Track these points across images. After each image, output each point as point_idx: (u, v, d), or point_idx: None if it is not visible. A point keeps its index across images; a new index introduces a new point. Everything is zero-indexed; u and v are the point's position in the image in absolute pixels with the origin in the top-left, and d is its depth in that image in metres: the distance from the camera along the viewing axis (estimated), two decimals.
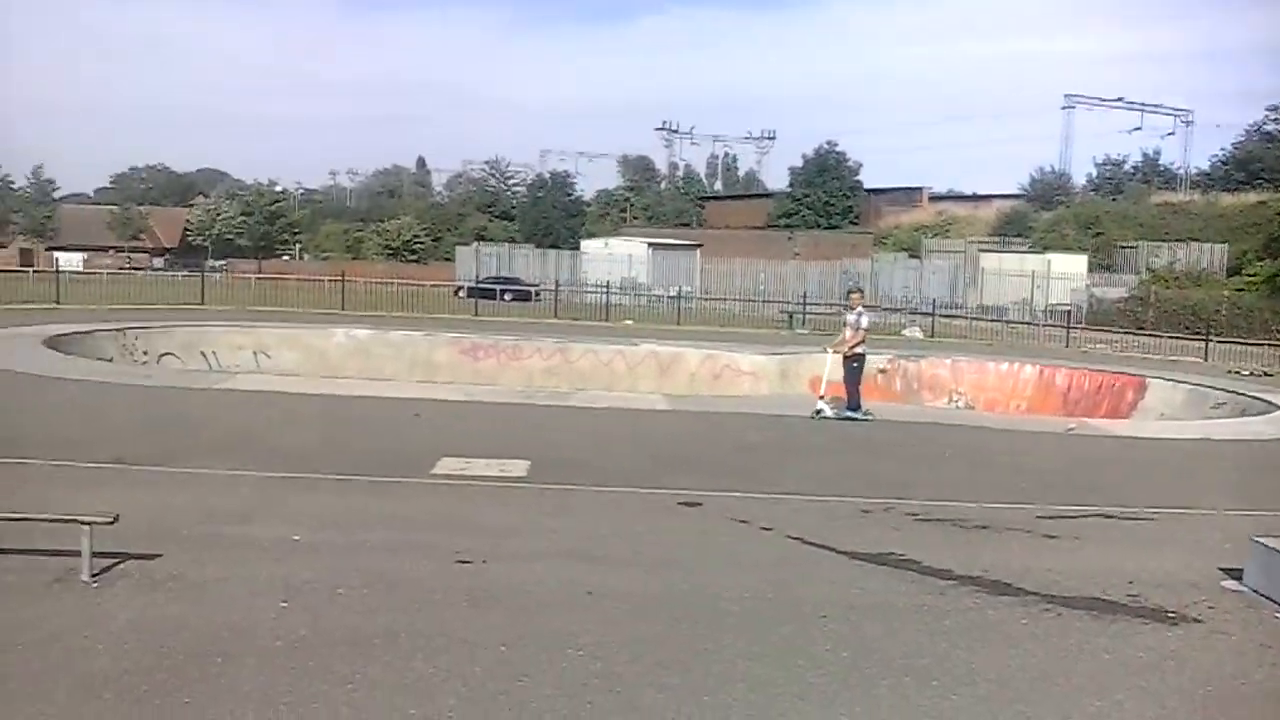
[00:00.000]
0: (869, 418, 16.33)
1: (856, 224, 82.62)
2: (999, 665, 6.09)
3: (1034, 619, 6.91)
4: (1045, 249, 58.32)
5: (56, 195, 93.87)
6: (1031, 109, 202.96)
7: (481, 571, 7.49)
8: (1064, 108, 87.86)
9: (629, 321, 36.70)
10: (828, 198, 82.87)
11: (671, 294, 45.70)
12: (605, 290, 42.08)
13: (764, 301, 47.82)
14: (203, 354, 23.90)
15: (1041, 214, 72.35)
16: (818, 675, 5.84)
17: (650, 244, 60.69)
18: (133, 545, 7.44)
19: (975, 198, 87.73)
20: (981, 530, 9.42)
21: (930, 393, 25.81)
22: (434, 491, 10.16)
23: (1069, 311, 41.67)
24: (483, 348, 25.14)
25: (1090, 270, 52.27)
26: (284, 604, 6.62)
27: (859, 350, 16.80)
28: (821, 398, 16.66)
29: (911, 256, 64.67)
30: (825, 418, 16.14)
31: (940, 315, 41.26)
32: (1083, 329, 38.97)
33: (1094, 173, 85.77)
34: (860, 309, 17.23)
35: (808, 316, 41.02)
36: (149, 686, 5.35)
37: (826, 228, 79.16)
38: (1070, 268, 51.14)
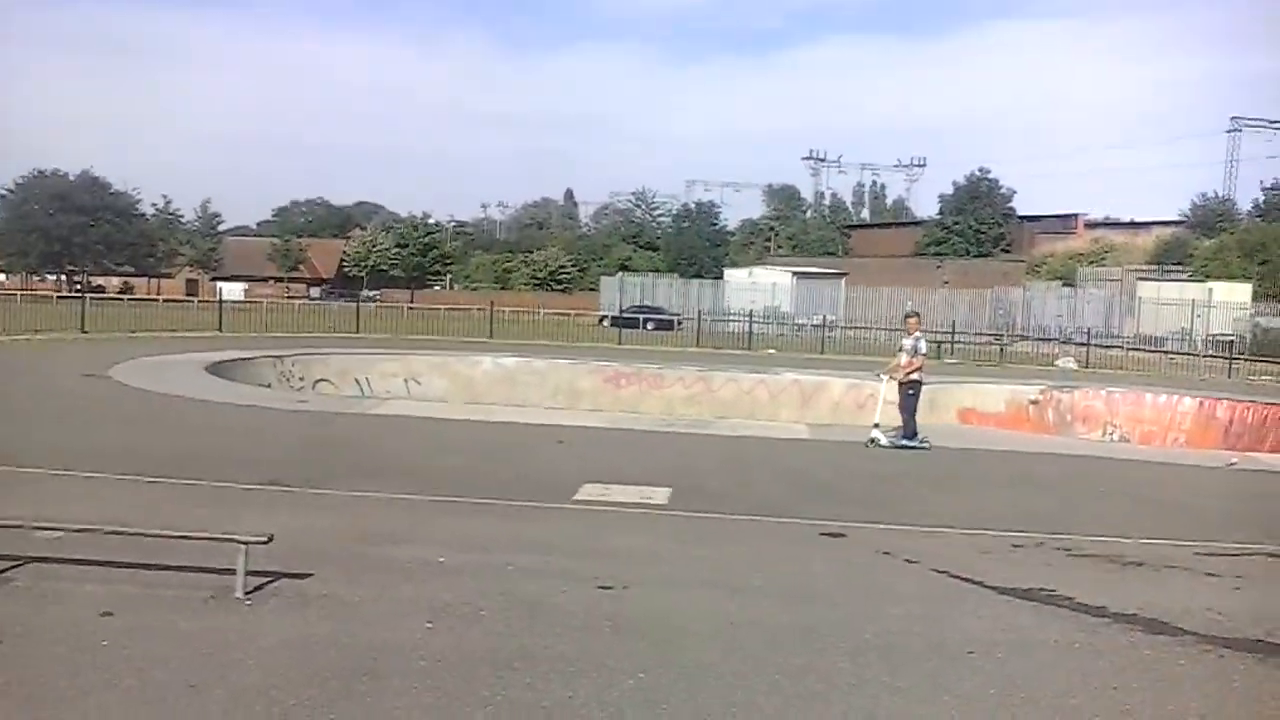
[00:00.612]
0: (925, 446, 15.71)
1: (1009, 252, 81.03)
2: (1155, 707, 5.82)
3: (1193, 660, 6.59)
4: (1206, 277, 56.09)
5: (221, 228, 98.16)
6: (1194, 132, 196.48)
7: (622, 597, 7.50)
8: (1229, 130, 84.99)
9: (771, 350, 36.51)
10: (978, 225, 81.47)
11: (815, 323, 45.33)
12: (748, 319, 42.01)
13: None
14: (356, 380, 24.59)
15: (1203, 241, 69.74)
16: (963, 713, 5.66)
17: (794, 273, 60.45)
18: (286, 564, 7.65)
19: (1133, 225, 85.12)
20: (1137, 567, 9.04)
21: (1084, 425, 24.98)
22: (576, 517, 10.23)
23: (1231, 341, 39.99)
24: (625, 375, 25.30)
25: (1255, 299, 50.07)
26: (429, 624, 6.72)
27: (915, 377, 16.15)
28: (876, 425, 16.01)
29: (1065, 285, 63.00)
30: (880, 446, 15.52)
31: (1095, 345, 40.01)
32: (1246, 360, 37.32)
33: (1260, 198, 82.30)
34: (919, 334, 16.53)
35: (956, 346, 40.25)
36: (296, 701, 5.48)
37: (977, 255, 77.76)
38: (1233, 296, 49.08)
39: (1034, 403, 25.38)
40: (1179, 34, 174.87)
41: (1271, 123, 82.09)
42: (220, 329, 33.19)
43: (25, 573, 7.49)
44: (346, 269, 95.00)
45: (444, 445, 14.51)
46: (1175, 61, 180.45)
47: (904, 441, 15.74)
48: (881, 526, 10.22)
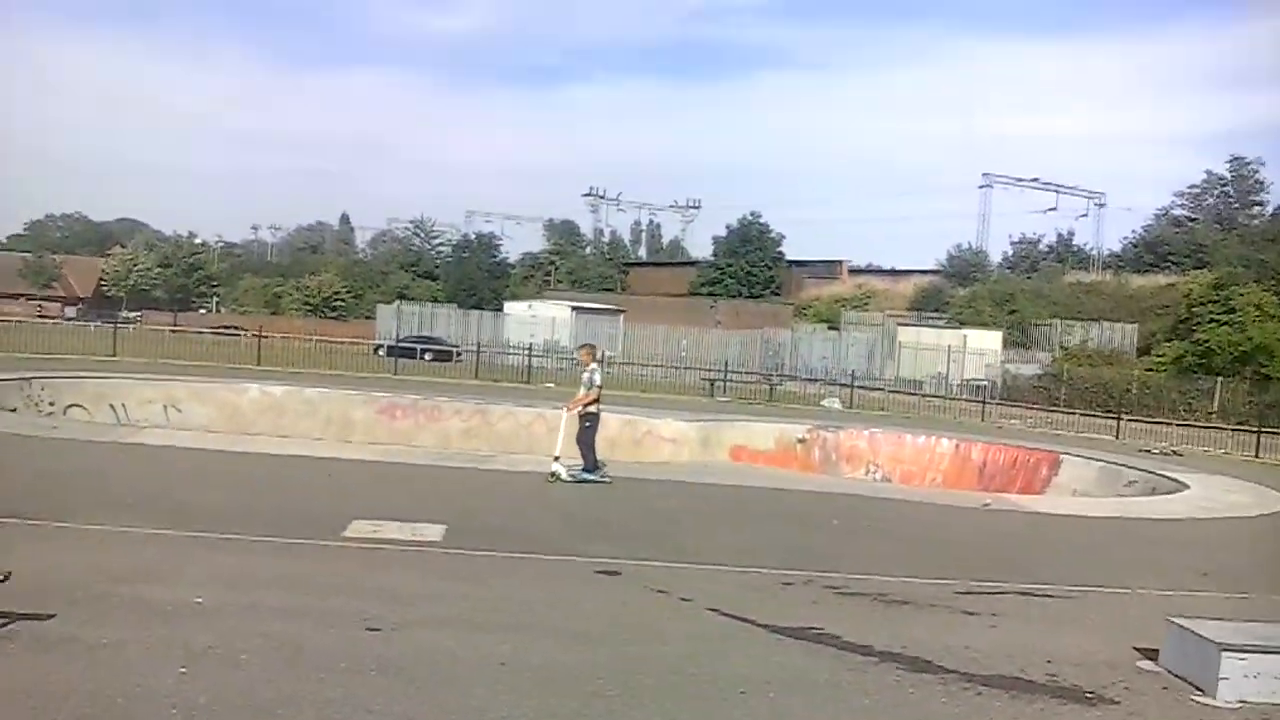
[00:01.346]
0: (606, 480, 15.62)
1: (778, 294, 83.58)
2: None
3: (953, 698, 6.83)
4: (961, 324, 59.33)
5: None
6: (950, 187, 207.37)
7: (391, 639, 7.25)
8: (981, 186, 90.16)
9: (550, 385, 36.46)
10: (750, 268, 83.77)
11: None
12: (528, 352, 41.91)
13: (685, 368, 47.99)
14: (111, 407, 23.22)
15: (958, 290, 73.75)
16: None
17: (574, 308, 60.76)
18: (24, 605, 7.09)
19: (894, 272, 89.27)
20: (902, 606, 9.36)
21: (848, 464, 25.95)
22: (344, 555, 9.87)
23: (984, 386, 42.38)
24: (400, 407, 24.82)
25: (1005, 346, 53.25)
26: (183, 670, 6.32)
27: (591, 410, 16.04)
28: (556, 458, 15.84)
29: (831, 328, 65.43)
30: (560, 479, 15.42)
31: (858, 387, 41.66)
32: (998, 404, 39.61)
33: (1010, 251, 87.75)
34: (594, 366, 16.48)
35: (729, 384, 41.18)
36: None
37: (749, 297, 79.99)
38: (986, 344, 52.03)
39: (802, 441, 26.21)
40: (938, 90, 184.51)
41: (1019, 180, 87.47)
42: None
43: None
44: (105, 288, 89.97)
45: (204, 477, 13.81)
46: (932, 117, 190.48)
47: (584, 475, 15.57)
48: (657, 564, 10.27)
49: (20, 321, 52.05)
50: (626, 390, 36.27)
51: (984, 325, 58.07)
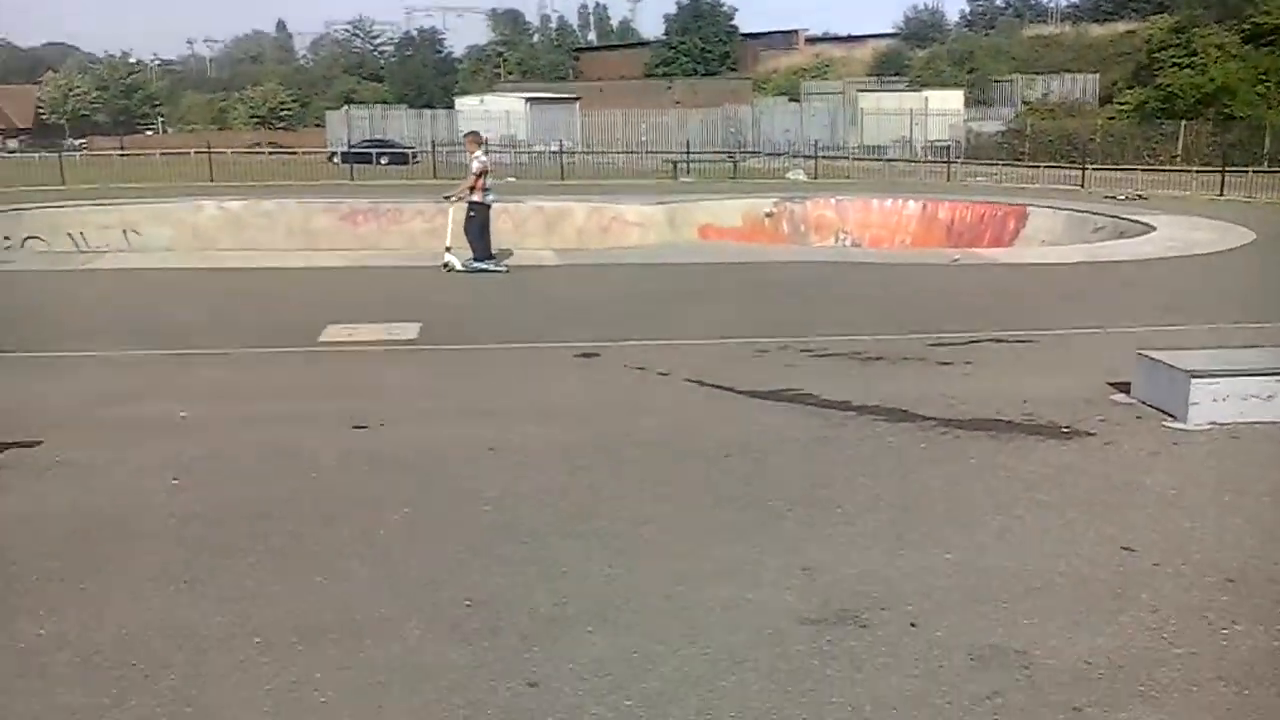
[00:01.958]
0: (501, 269, 15.59)
1: (735, 70, 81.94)
2: (901, 490, 6.17)
3: (932, 442, 7.01)
4: (922, 86, 58.49)
5: None
6: None
7: (379, 435, 7.33)
8: None
9: (511, 179, 35.97)
10: (704, 45, 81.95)
11: (553, 149, 44.88)
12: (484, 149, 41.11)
13: (647, 153, 47.35)
14: (69, 235, 22.80)
15: (917, 52, 72.51)
16: (724, 512, 5.85)
17: (527, 99, 59.36)
18: (12, 434, 7.12)
19: (851, 39, 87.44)
20: (876, 362, 9.51)
21: (817, 234, 25.96)
22: (322, 360, 9.88)
23: (949, 147, 42.11)
24: (361, 213, 24.44)
25: (967, 105, 52.72)
26: (175, 481, 6.39)
27: (475, 198, 15.62)
28: (448, 249, 15.67)
29: (791, 100, 64.42)
30: (454, 270, 15.36)
31: (823, 157, 41.29)
32: (962, 163, 39.43)
33: (967, 8, 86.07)
34: (477, 153, 15.99)
35: (693, 164, 40.76)
36: (40, 576, 5.12)
37: (705, 74, 78.43)
38: (948, 104, 51.45)
39: (769, 215, 26.13)
40: None
41: None
42: None
43: None
44: (44, 117, 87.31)
45: (173, 296, 13.70)
46: None
47: (477, 265, 15.49)
48: (633, 343, 10.33)
49: None
50: (588, 179, 35.98)
51: (945, 86, 57.28)
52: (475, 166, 15.72)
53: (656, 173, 39.56)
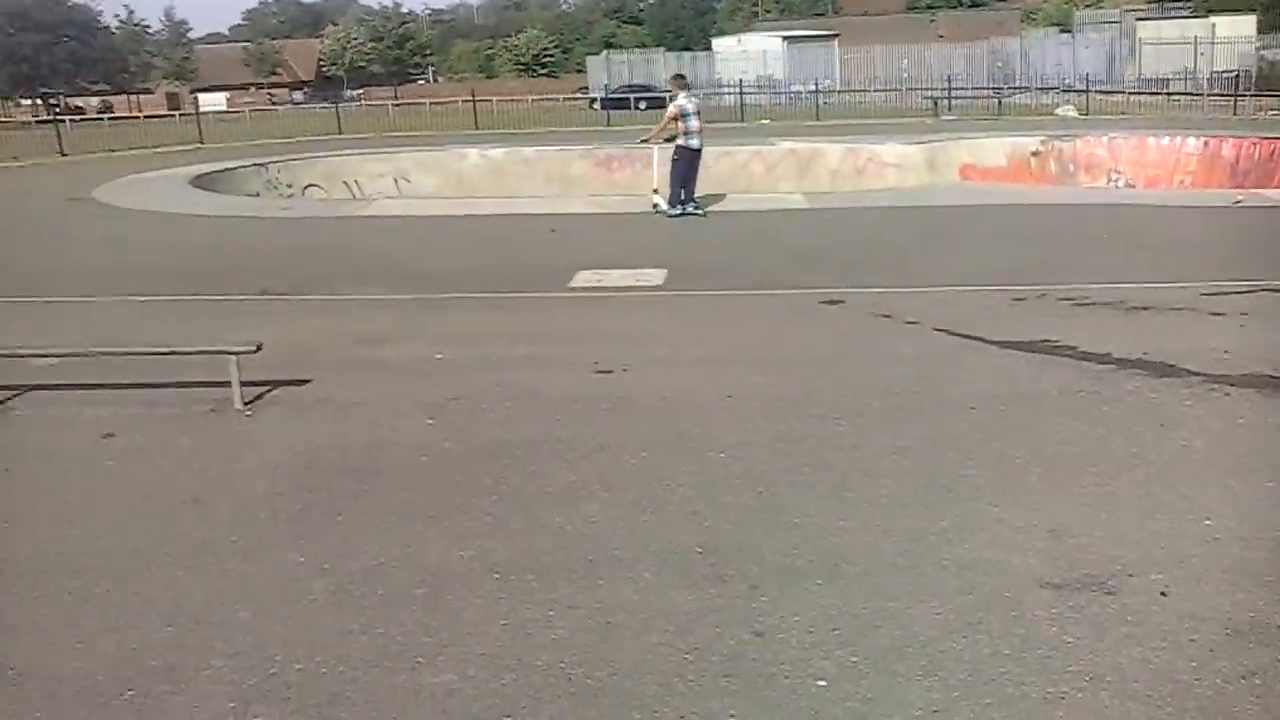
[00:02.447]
0: (698, 213, 15.30)
1: (1002, 1, 78.49)
2: (1160, 449, 5.81)
3: (1199, 400, 6.56)
4: (1209, 12, 54.27)
5: (191, 36, 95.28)
6: None
7: (621, 380, 7.46)
8: None
9: (766, 121, 35.78)
10: None
11: (810, 89, 44.23)
12: (739, 90, 40.99)
13: (908, 90, 45.95)
14: (345, 184, 24.14)
15: None
16: (966, 467, 5.66)
17: (785, 37, 58.71)
18: (283, 373, 7.62)
19: None
20: (1142, 312, 8.96)
21: (1087, 174, 24.58)
22: (571, 305, 10.13)
23: (1236, 77, 39.00)
24: (617, 159, 24.76)
25: (1260, 31, 48.57)
26: (430, 421, 6.70)
27: (680, 143, 15.31)
28: (654, 190, 15.76)
29: (1063, 31, 61.15)
30: (660, 212, 15.40)
31: (1096, 92, 39.06)
32: (1252, 95, 36.45)
33: None
34: (681, 96, 15.50)
35: (955, 102, 39.40)
36: (302, 506, 5.49)
37: (970, 6, 75.46)
38: (1237, 30, 47.57)
39: (1035, 154, 24.90)
40: None
41: None
42: (201, 141, 32.52)
43: (25, 401, 7.48)
44: (325, 69, 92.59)
45: (434, 242, 14.33)
46: None
47: (671, 210, 15.40)
48: (881, 290, 10.11)
49: (256, 110, 54.44)
50: (846, 118, 35.32)
51: (1235, 11, 53.00)
52: (670, 109, 15.60)
53: (917, 111, 38.43)
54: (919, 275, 10.85)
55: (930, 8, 75.89)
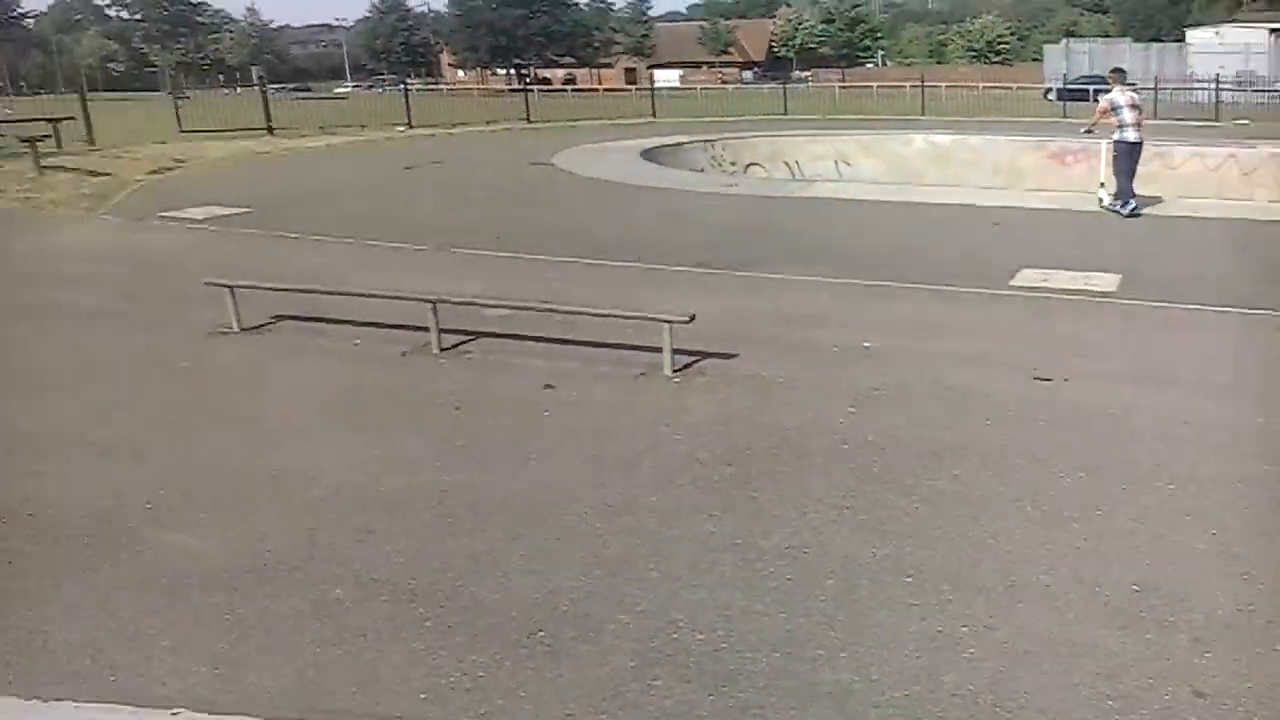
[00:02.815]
0: (1131, 214, 14.51)
1: None
2: None
3: None
4: None
5: (651, 14, 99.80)
6: None
7: (1061, 390, 6.99)
8: None
9: (1245, 121, 32.61)
10: None
11: None
12: (1215, 86, 37.63)
13: None
14: (786, 164, 24.43)
15: None
16: None
17: (1272, 29, 53.13)
18: (711, 345, 7.76)
19: None
20: None
21: None
22: (1011, 304, 9.64)
23: None
24: (1072, 152, 23.40)
25: None
26: (852, 409, 6.59)
27: (1116, 136, 14.65)
28: (1101, 185, 15.32)
29: None
30: (1107, 209, 14.92)
31: None
32: None
33: None
34: (1116, 89, 14.88)
35: None
36: (720, 478, 5.55)
37: None
38: None
39: None
40: None
41: None
42: (654, 116, 34.01)
43: (478, 346, 8.08)
44: (776, 50, 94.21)
45: (872, 228, 14.16)
46: None
47: (1112, 206, 14.91)
48: None
49: (706, 87, 56.32)
50: None
51: None
52: (1101, 103, 15.19)
53: None
54: None
55: None
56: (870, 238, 13.21)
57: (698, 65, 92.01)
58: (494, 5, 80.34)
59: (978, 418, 6.42)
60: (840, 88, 55.43)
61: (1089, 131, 15.86)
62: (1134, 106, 14.85)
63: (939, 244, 12.90)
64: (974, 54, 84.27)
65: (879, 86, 55.31)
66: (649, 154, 21.94)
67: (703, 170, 22.50)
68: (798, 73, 78.26)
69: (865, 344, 8.13)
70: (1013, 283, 10.31)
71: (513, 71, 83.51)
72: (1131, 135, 14.67)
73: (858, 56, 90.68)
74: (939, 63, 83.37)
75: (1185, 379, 7.27)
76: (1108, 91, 15.12)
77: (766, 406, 6.66)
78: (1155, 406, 6.63)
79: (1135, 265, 11.17)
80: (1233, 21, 62.67)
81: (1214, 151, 22.44)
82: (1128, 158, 14.77)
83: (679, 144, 24.09)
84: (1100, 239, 13.13)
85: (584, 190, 17.43)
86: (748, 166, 24.01)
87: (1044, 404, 6.68)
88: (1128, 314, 9.22)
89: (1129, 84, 15.47)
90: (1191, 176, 21.79)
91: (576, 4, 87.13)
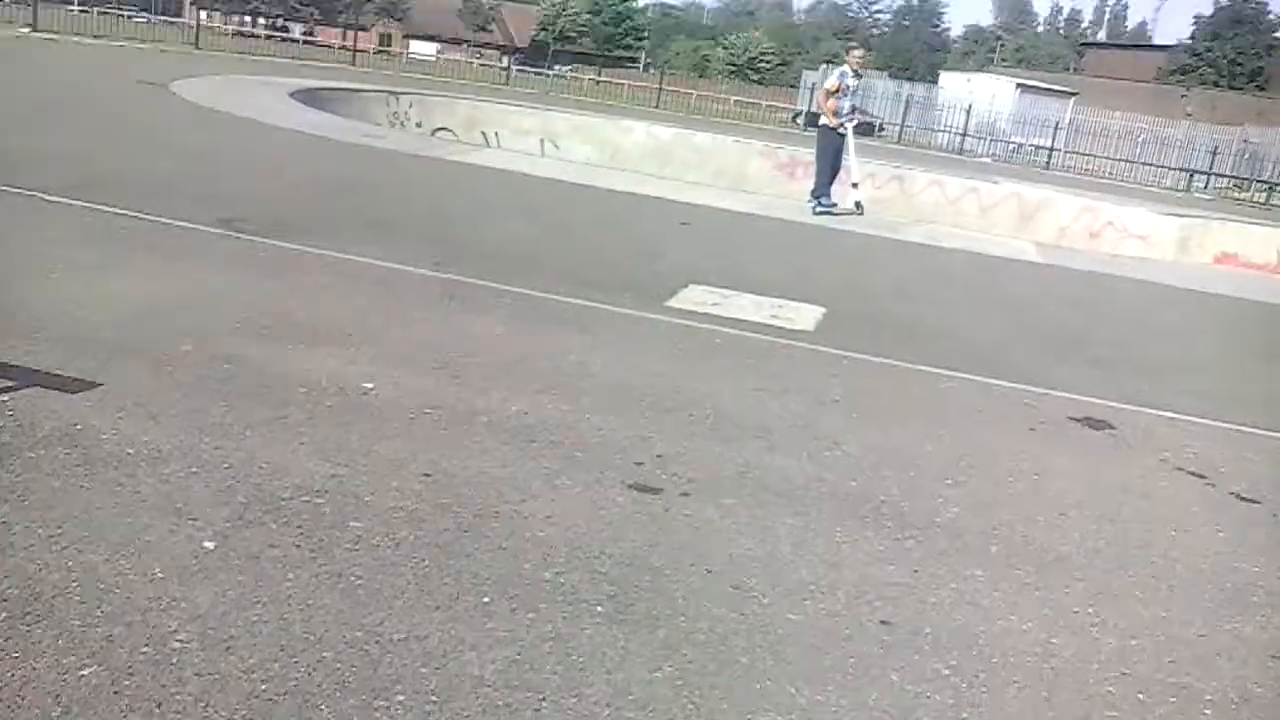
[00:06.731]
0: (820, 209, 12.90)
1: (1264, 89, 71.24)
2: None
3: None
4: None
5: None
6: None
7: (669, 515, 3.54)
8: None
9: (986, 159, 31.22)
10: (1236, 55, 71.68)
11: (1035, 143, 39.31)
12: (961, 132, 36.62)
13: (1143, 164, 40.63)
14: (483, 134, 20.69)
15: None
16: None
17: (1019, 84, 53.43)
18: (106, 357, 3.96)
19: None
20: None
21: None
22: (661, 334, 6.19)
23: None
24: (803, 164, 20.69)
25: None
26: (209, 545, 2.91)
27: (829, 123, 12.99)
28: (856, 185, 13.68)
29: None
30: (859, 210, 13.32)
31: None
32: None
33: None
34: (851, 71, 13.19)
35: (1194, 184, 34.28)
36: None
37: (1230, 89, 68.75)
38: None
39: None
40: None
41: None
42: (354, 64, 29.57)
43: None
44: (536, 36, 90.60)
45: (524, 210, 10.54)
46: None
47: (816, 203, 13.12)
48: (1173, 416, 5.91)
49: (453, 62, 52.02)
50: (1077, 177, 30.59)
51: None
52: (831, 79, 13.29)
53: (1154, 184, 33.31)
54: (1221, 397, 6.58)
55: (1182, 83, 69.25)
56: (512, 223, 9.55)
57: (458, 43, 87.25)
58: None
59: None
60: (593, 81, 52.29)
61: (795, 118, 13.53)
62: (846, 90, 13.06)
63: (598, 240, 9.48)
64: (734, 69, 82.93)
65: (630, 85, 52.49)
66: (307, 95, 17.65)
67: (378, 125, 18.48)
68: (559, 67, 74.75)
69: (368, 385, 4.51)
70: (670, 303, 6.89)
71: (248, 19, 76.36)
72: (846, 125, 13.04)
73: (619, 54, 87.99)
74: (701, 76, 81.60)
75: (893, 508, 3.94)
76: (872, 124, 13.02)
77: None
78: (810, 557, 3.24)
79: (850, 295, 8.06)
80: (983, 71, 63.40)
81: (955, 182, 20.19)
82: (834, 152, 13.11)
83: (355, 89, 19.99)
84: (812, 254, 10.03)
85: (177, 118, 13.17)
86: (437, 130, 20.16)
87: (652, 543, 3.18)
88: (825, 366, 5.93)
89: (858, 73, 13.58)
90: (929, 204, 19.45)
91: None
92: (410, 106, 20.16)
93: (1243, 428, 5.87)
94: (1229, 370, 7.70)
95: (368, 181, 10.56)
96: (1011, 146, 42.00)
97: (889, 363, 6.20)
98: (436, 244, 7.75)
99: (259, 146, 11.94)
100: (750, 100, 51.20)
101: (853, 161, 13.50)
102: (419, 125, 19.86)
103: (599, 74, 67.79)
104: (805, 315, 7.05)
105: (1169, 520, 4.36)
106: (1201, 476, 4.95)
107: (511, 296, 6.43)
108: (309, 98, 17.37)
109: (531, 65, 68.75)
